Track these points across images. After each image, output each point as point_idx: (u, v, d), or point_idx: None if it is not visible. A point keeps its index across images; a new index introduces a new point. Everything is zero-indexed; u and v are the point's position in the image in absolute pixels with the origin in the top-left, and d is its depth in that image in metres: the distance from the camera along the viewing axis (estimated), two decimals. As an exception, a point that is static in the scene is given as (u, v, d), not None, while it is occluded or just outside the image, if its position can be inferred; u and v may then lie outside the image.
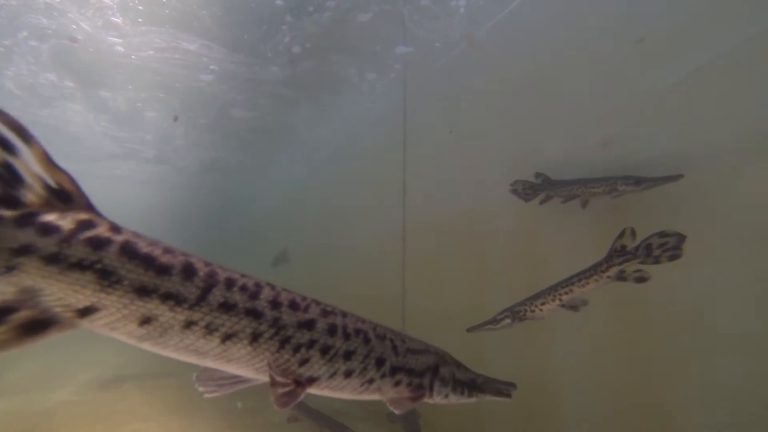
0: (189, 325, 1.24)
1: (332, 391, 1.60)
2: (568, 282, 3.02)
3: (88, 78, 7.15)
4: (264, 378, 1.46)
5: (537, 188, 4.03)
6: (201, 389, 1.60)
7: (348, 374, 1.57)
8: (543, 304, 3.13)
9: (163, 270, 1.22)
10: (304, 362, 1.45)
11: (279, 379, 1.42)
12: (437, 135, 5.91)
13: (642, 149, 3.50)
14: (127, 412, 6.59)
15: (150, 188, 15.00)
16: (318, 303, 1.58)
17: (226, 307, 1.29)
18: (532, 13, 4.76)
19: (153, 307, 1.19)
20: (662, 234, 2.59)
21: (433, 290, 5.62)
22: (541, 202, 4.02)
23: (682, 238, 2.53)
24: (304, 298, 1.54)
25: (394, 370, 1.73)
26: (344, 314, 1.65)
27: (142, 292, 1.18)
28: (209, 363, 1.36)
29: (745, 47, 2.89)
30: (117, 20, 5.44)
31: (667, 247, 2.57)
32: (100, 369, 9.04)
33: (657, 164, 3.32)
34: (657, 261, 2.61)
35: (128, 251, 1.18)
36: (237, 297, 1.32)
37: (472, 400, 2.08)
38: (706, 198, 3.08)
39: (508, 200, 4.68)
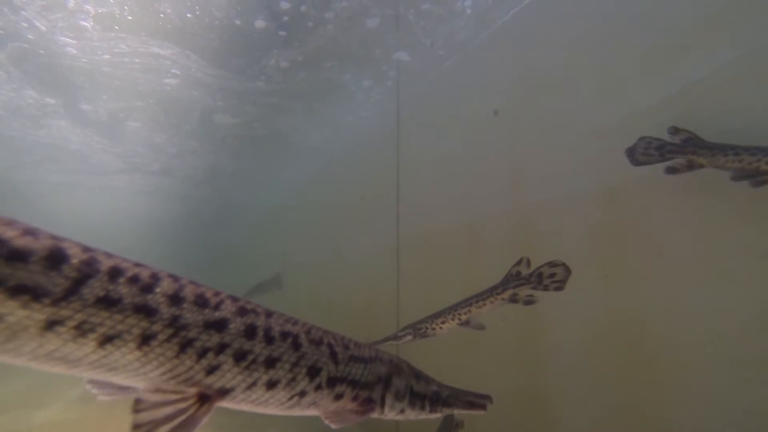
0: (52, 325, 0.96)
1: (253, 405, 1.31)
2: (466, 303, 3.13)
3: (60, 88, 6.61)
4: (166, 387, 1.15)
5: (671, 150, 2.82)
6: (95, 391, 1.32)
7: (271, 385, 1.29)
8: (443, 322, 3.23)
9: (16, 256, 0.92)
10: (212, 370, 1.18)
11: (175, 389, 1.14)
12: (432, 145, 5.66)
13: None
14: (116, 429, 6.21)
15: (144, 199, 14.65)
16: (236, 300, 1.29)
17: (107, 302, 1.02)
18: (532, 18, 4.51)
19: None
20: (552, 264, 2.80)
21: (427, 303, 5.36)
22: (671, 171, 2.79)
23: (568, 270, 2.75)
24: (216, 294, 1.25)
25: (333, 381, 1.45)
26: (269, 314, 1.35)
27: None
28: (85, 373, 1.07)
29: (733, 65, 2.76)
30: (85, 24, 4.95)
31: (555, 278, 2.79)
32: (91, 384, 8.66)
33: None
34: (546, 288, 2.82)
35: None
36: (123, 290, 1.05)
37: (437, 415, 1.81)
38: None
39: (504, 213, 4.44)
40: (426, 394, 1.76)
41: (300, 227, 10.02)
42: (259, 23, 5.13)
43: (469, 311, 3.11)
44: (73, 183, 12.67)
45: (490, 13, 4.78)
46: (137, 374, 1.12)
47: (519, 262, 2.98)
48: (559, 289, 2.81)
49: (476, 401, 1.89)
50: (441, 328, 3.24)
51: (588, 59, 3.78)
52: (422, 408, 1.74)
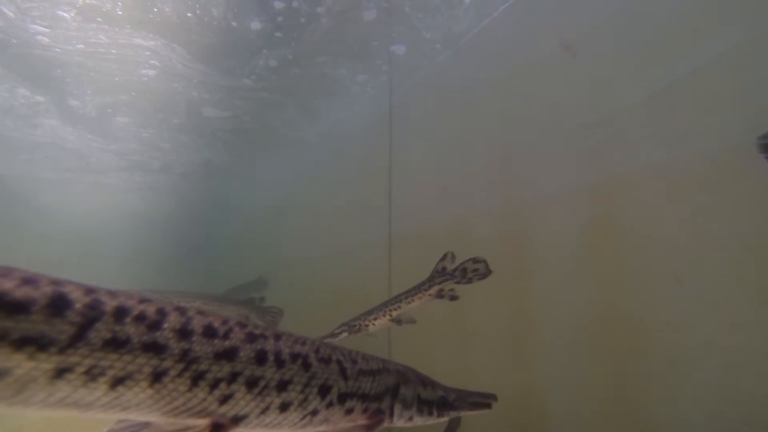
0: (61, 373, 0.94)
1: (267, 428, 1.32)
2: (396, 299, 3.24)
3: (45, 83, 6.36)
4: (179, 421, 1.15)
5: None
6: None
7: (284, 408, 1.30)
8: (375, 319, 3.33)
9: (18, 307, 0.90)
10: (225, 399, 1.18)
11: (186, 425, 1.14)
12: (424, 140, 5.59)
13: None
14: (110, 424, 6.16)
15: (139, 195, 14.45)
16: (243, 326, 1.28)
17: (116, 344, 1.01)
18: (525, 11, 4.43)
19: (2, 359, 0.88)
20: (475, 260, 2.93)
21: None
22: None
23: (487, 266, 2.89)
24: (224, 322, 1.24)
25: (344, 397, 1.47)
26: (278, 337, 1.36)
27: None
28: (98, 414, 1.06)
29: (721, 59, 2.72)
30: (64, 14, 4.68)
31: (479, 272, 2.91)
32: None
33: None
34: (470, 282, 2.93)
35: None
36: (131, 330, 1.03)
37: (445, 419, 1.84)
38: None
39: (496, 208, 4.39)
40: (433, 399, 1.77)
41: (294, 223, 9.93)
42: (255, 25, 5.03)
43: (399, 307, 3.21)
44: (67, 180, 12.50)
45: (487, 4, 4.65)
46: (151, 410, 1.10)
47: (444, 258, 3.04)
48: (482, 278, 2.92)
49: (482, 401, 1.91)
50: (373, 324, 3.35)
51: (579, 53, 3.71)
52: (430, 414, 1.76)
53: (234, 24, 5.02)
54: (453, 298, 3.03)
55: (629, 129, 3.28)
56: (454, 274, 2.98)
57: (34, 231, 12.93)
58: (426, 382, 1.83)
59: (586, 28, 3.70)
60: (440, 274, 3.03)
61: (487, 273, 2.91)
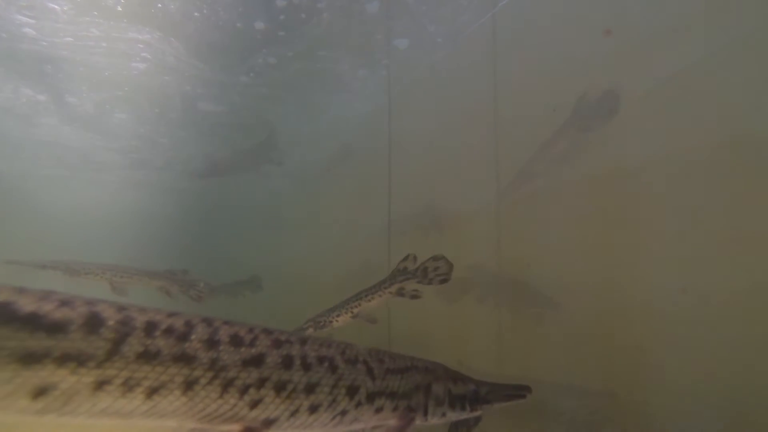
0: (101, 385, 1.02)
1: (298, 430, 1.36)
2: (357, 297, 3.32)
3: (38, 78, 6.25)
4: (214, 426, 1.21)
5: None
6: None
7: (313, 409, 1.34)
8: (338, 315, 3.39)
9: (57, 328, 0.97)
10: (255, 404, 1.23)
11: (224, 428, 1.19)
12: (424, 135, 5.57)
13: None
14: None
15: (138, 192, 14.35)
16: (269, 332, 1.32)
17: (148, 356, 1.08)
18: (520, 10, 4.39)
19: (47, 374, 0.95)
20: (435, 258, 2.93)
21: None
22: None
23: (449, 264, 2.87)
24: (250, 330, 1.28)
25: (372, 397, 1.49)
26: (303, 341, 1.39)
27: (30, 359, 0.94)
28: (138, 422, 1.12)
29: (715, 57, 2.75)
30: (54, 6, 4.54)
31: (439, 271, 2.90)
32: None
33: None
34: (431, 282, 2.93)
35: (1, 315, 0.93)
36: (161, 343, 1.10)
37: (478, 413, 1.83)
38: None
39: (495, 201, 4.41)
40: (465, 394, 1.77)
41: (294, 220, 9.92)
42: (259, 24, 5.04)
43: (359, 305, 3.28)
44: (68, 176, 12.41)
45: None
46: (186, 417, 1.16)
47: (405, 258, 3.09)
48: (444, 281, 2.89)
49: (515, 393, 1.91)
50: (336, 320, 3.41)
51: (578, 51, 3.70)
52: (463, 408, 1.76)
53: (239, 25, 5.01)
54: (414, 297, 3.08)
55: (628, 123, 3.28)
56: (416, 274, 3.04)
57: (33, 229, 12.87)
58: (456, 377, 1.83)
59: (585, 26, 3.69)
60: (401, 273, 3.10)
61: (449, 273, 2.91)
